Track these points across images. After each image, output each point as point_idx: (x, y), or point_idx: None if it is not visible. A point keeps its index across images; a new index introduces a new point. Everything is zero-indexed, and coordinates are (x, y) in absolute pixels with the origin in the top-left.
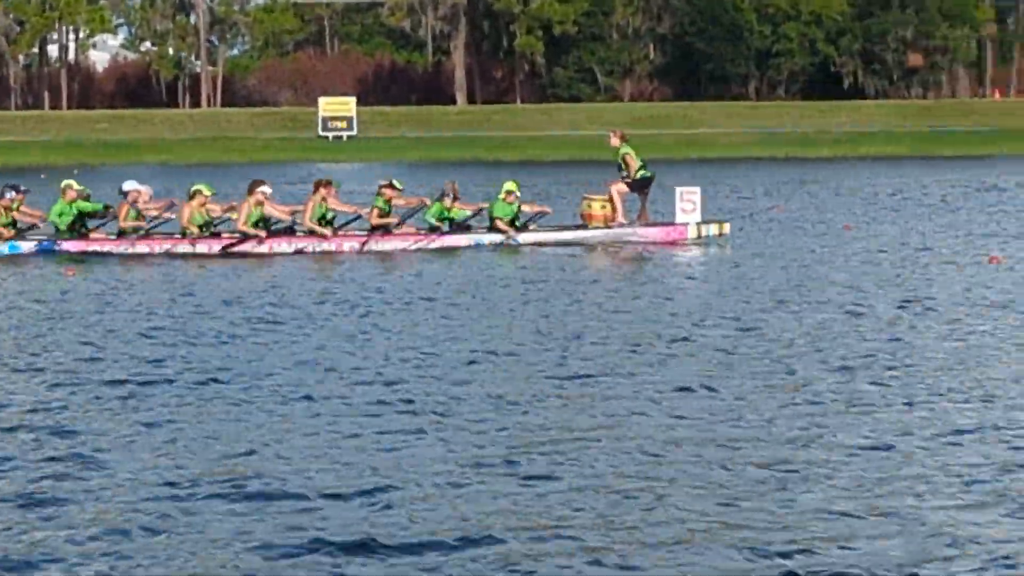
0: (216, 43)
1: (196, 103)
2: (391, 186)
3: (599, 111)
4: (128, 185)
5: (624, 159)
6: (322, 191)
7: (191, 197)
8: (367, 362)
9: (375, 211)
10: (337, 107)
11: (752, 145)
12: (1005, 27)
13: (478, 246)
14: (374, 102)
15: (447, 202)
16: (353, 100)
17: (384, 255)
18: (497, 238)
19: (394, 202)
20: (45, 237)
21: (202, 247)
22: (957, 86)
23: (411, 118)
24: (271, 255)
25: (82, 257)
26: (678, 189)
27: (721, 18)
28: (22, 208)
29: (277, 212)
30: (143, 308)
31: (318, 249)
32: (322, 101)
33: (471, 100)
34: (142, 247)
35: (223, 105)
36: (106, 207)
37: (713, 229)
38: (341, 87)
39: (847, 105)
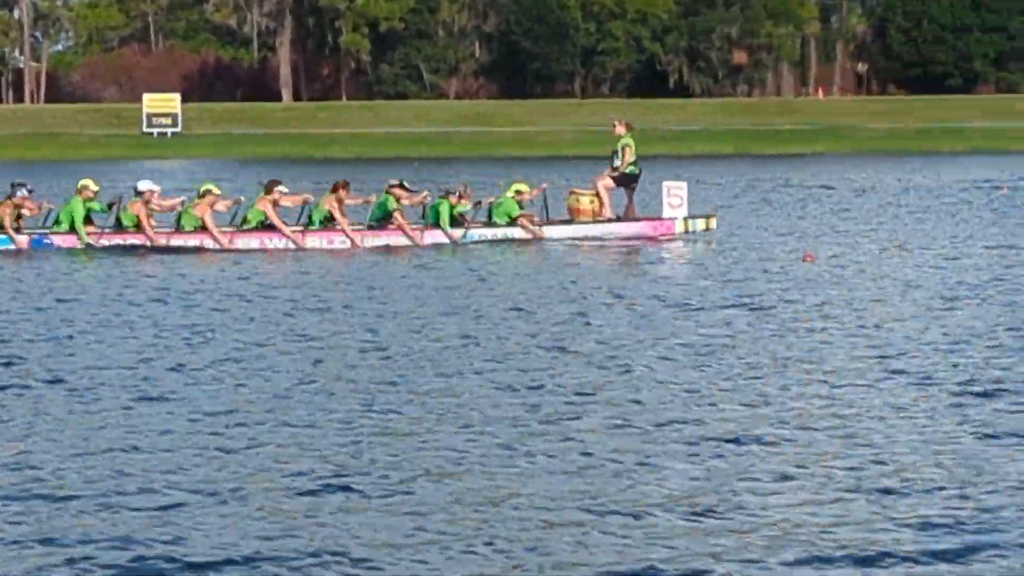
0: (40, 38)
1: (20, 99)
2: (401, 186)
3: (425, 109)
4: (143, 185)
5: (623, 149)
6: (340, 192)
7: (201, 196)
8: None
9: (396, 213)
10: (162, 104)
11: (577, 143)
12: (828, 26)
13: (467, 241)
14: (199, 99)
15: (453, 199)
16: (178, 97)
17: (383, 251)
18: (489, 233)
19: (403, 202)
20: (37, 231)
21: (194, 242)
22: (781, 84)
23: (236, 115)
24: (268, 251)
25: (74, 252)
26: (664, 184)
27: (547, 16)
28: (28, 204)
29: (291, 203)
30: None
31: (319, 246)
32: (146, 98)
33: (297, 97)
34: (134, 241)
35: (47, 101)
36: (110, 205)
37: (700, 224)
38: (166, 84)
39: (673, 103)
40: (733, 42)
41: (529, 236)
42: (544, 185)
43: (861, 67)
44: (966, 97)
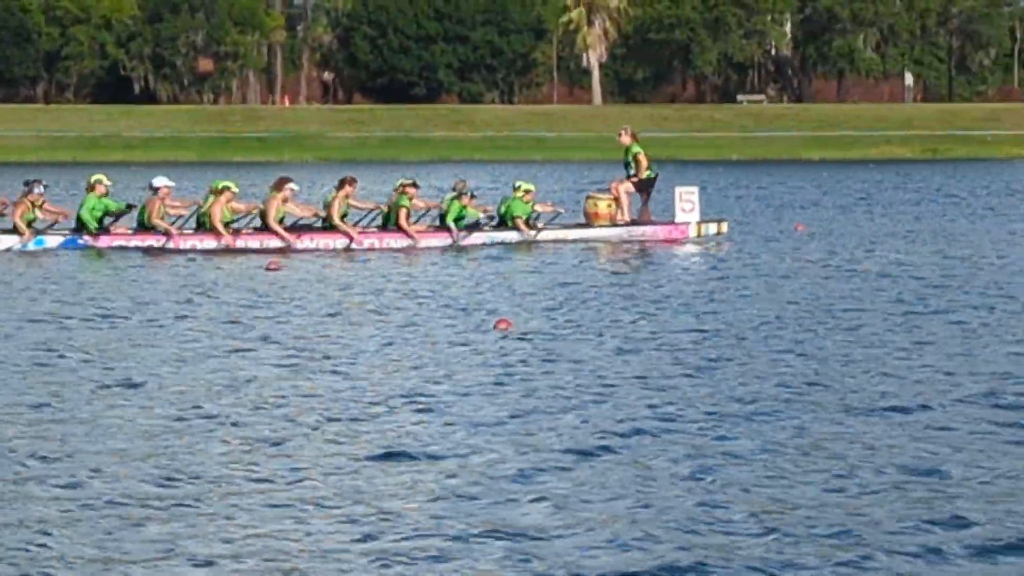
0: None
1: None
2: (415, 185)
3: None
4: (159, 181)
5: (636, 158)
6: (347, 188)
7: (219, 193)
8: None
9: (402, 211)
10: None
11: (41, 149)
12: (295, 34)
13: (492, 244)
14: None
15: (464, 200)
16: None
17: (403, 253)
18: (512, 236)
19: (413, 202)
20: (70, 232)
21: (226, 242)
22: (248, 92)
23: None
24: (293, 252)
25: (106, 252)
26: (677, 189)
27: (8, 20)
28: (46, 205)
29: (299, 211)
30: None
31: (339, 246)
32: None
33: None
34: (152, 242)
35: None
36: (128, 207)
37: (712, 228)
38: None
39: (138, 109)
40: (199, 49)
41: (522, 237)
42: (560, 209)
43: (327, 76)
44: (430, 107)
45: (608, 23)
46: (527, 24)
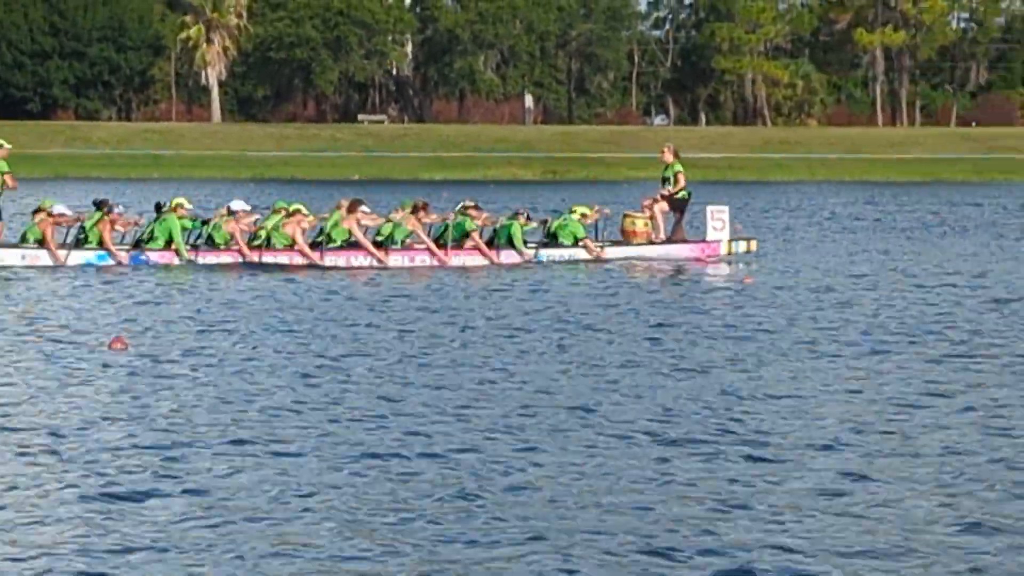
0: None
1: None
2: (477, 207)
3: None
4: (236, 205)
5: (676, 176)
6: (421, 213)
7: (290, 215)
8: None
9: (474, 233)
10: None
11: None
12: None
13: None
14: None
15: (522, 220)
16: None
17: (464, 271)
18: (556, 253)
19: (475, 222)
20: (133, 249)
21: (299, 259)
22: None
23: None
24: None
25: (171, 268)
26: (708, 208)
27: None
28: (121, 221)
29: (371, 224)
30: None
31: (410, 264)
32: None
33: None
34: (227, 258)
35: None
36: (203, 222)
37: (743, 246)
38: None
39: None
40: None
41: (591, 256)
42: (606, 210)
43: None
44: (45, 123)
45: (227, 40)
46: (145, 41)
